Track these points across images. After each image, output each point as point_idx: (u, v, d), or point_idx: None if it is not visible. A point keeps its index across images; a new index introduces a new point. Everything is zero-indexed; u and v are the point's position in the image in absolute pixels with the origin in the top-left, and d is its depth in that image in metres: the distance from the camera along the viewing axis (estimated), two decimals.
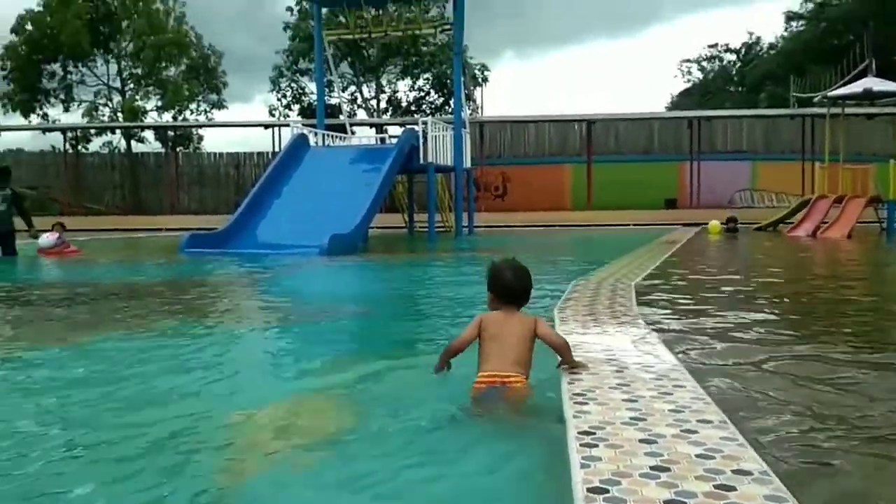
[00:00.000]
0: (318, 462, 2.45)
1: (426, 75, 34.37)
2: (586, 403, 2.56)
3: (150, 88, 34.18)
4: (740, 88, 45.50)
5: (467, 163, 18.17)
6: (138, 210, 30.30)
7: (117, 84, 34.04)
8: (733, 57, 49.58)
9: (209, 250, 11.97)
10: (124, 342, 4.51)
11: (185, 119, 34.27)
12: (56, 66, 32.86)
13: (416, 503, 2.13)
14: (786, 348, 3.98)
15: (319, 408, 3.09)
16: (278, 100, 34.89)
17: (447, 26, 18.34)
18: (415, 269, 10.08)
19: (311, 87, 32.73)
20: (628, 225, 22.11)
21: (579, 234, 19.33)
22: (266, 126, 28.78)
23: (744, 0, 77.00)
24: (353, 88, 34.77)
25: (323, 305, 6.33)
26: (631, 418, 2.38)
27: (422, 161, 15.70)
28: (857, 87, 17.73)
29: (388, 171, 14.08)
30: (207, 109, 35.26)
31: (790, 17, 42.06)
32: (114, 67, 33.85)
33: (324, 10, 20.30)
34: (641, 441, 2.16)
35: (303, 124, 17.52)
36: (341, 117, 22.11)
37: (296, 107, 34.81)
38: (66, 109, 33.91)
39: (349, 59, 32.95)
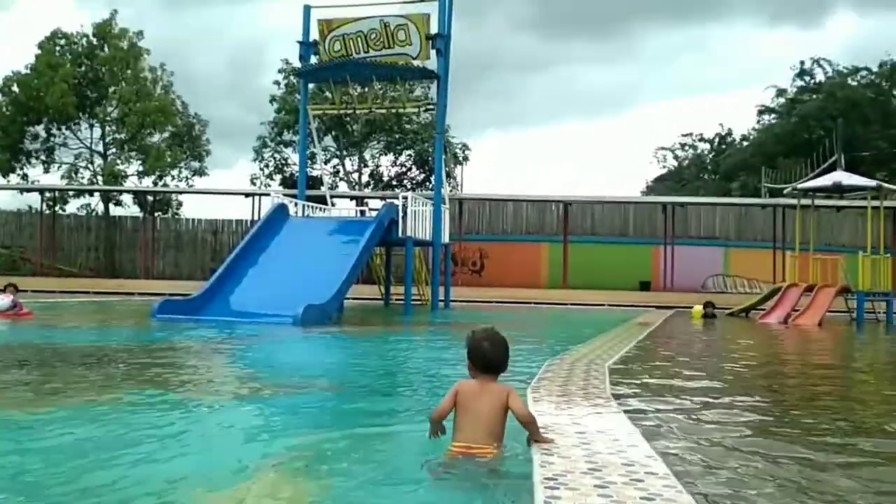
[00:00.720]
0: None
1: (408, 152, 34.97)
2: (557, 489, 2.52)
3: (133, 153, 34.33)
4: (714, 176, 46.71)
5: (445, 238, 18.30)
6: (112, 273, 30.00)
7: (99, 148, 34.18)
8: (706, 146, 51.12)
9: (182, 317, 11.80)
10: (80, 412, 4.35)
11: (165, 185, 34.35)
12: (39, 128, 32.98)
13: None
14: (758, 434, 3.96)
15: (286, 485, 3.00)
16: (261, 169, 35.21)
17: (430, 106, 18.77)
18: (389, 342, 10.00)
19: (294, 158, 33.15)
20: (603, 305, 22.22)
21: (554, 312, 19.38)
22: (246, 195, 28.91)
23: (719, 90, 79.94)
24: (335, 161, 35.22)
25: (293, 378, 6.22)
26: None
27: (400, 234, 15.80)
28: (826, 180, 18.29)
29: (366, 243, 14.13)
30: (189, 176, 35.43)
31: (762, 111, 43.67)
32: (97, 131, 34.06)
33: (310, 85, 20.73)
34: None
35: (284, 194, 17.64)
36: (322, 189, 22.27)
37: (277, 177, 35.09)
38: (46, 170, 33.90)
39: (333, 133, 33.48)
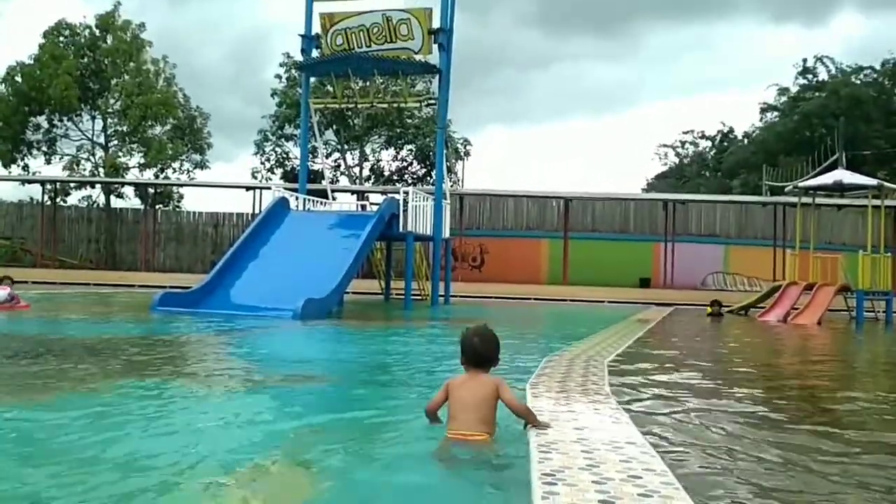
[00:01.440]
0: None
1: (410, 146, 34.94)
2: (555, 484, 2.53)
3: (134, 146, 34.34)
4: (717, 174, 46.70)
5: (446, 233, 18.30)
6: (113, 265, 30.02)
7: (101, 140, 34.18)
8: (708, 144, 51.11)
9: (181, 309, 11.81)
10: (77, 403, 4.37)
11: (166, 177, 34.36)
12: (41, 119, 32.98)
13: None
14: (757, 430, 3.98)
15: (283, 477, 3.02)
16: (262, 163, 35.19)
17: (432, 101, 18.74)
18: (388, 336, 10.01)
19: (295, 151, 33.15)
20: (602, 301, 22.23)
21: (554, 308, 19.38)
22: (248, 188, 28.90)
23: (721, 88, 79.83)
24: (336, 155, 35.20)
25: (291, 371, 6.24)
26: (599, 501, 2.36)
27: (401, 229, 15.80)
28: (828, 178, 18.27)
29: (366, 238, 14.13)
30: (190, 169, 35.44)
31: (764, 108, 43.65)
32: (99, 123, 34.06)
33: (312, 79, 20.70)
34: None
35: (284, 188, 17.63)
36: (324, 183, 22.26)
37: (279, 171, 35.09)
38: (48, 162, 33.93)
39: (334, 127, 33.45)
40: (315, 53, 18.00)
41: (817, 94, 39.75)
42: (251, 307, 11.83)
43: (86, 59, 32.74)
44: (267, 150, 35.01)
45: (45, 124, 33.17)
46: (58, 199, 32.01)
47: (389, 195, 17.19)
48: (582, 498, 2.38)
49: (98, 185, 32.89)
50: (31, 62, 31.81)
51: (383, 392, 5.29)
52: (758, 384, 6.33)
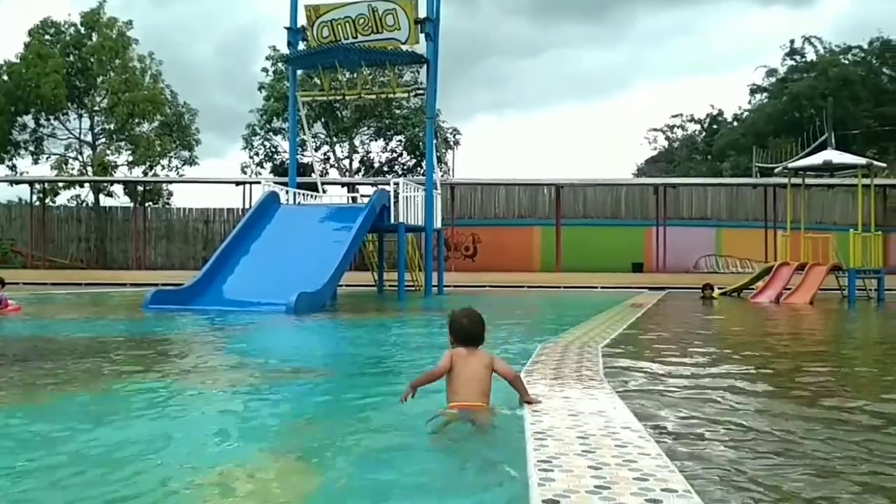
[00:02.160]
0: None
1: (399, 137, 34.80)
2: (552, 470, 2.53)
3: (122, 143, 34.15)
4: (707, 157, 46.77)
5: (438, 223, 18.28)
6: (104, 264, 29.89)
7: (88, 138, 33.96)
8: (697, 127, 51.14)
9: (174, 307, 11.77)
10: (72, 403, 4.36)
11: (155, 175, 34.18)
12: (28, 119, 32.73)
13: None
14: (751, 412, 3.99)
15: (282, 470, 3.01)
16: (251, 157, 35.02)
17: (420, 91, 18.68)
18: (383, 328, 10.01)
19: (284, 145, 33.01)
20: (595, 287, 22.28)
21: (547, 296, 19.42)
22: (237, 183, 28.79)
23: (709, 71, 79.85)
24: (325, 148, 35.06)
25: (287, 365, 6.22)
26: (595, 486, 2.36)
27: (392, 221, 15.77)
28: (817, 158, 18.33)
29: (358, 230, 14.10)
30: (179, 166, 35.26)
31: (753, 90, 43.69)
32: (86, 122, 33.83)
33: (299, 72, 20.60)
34: None
35: (274, 182, 17.57)
36: (313, 176, 22.18)
37: (268, 165, 34.93)
38: (36, 161, 33.68)
39: (323, 120, 33.30)
40: (301, 46, 17.91)
41: (806, 74, 39.79)
42: (244, 302, 11.81)
43: (72, 58, 32.48)
44: (255, 144, 34.83)
45: (32, 124, 32.93)
46: (47, 199, 31.81)
47: (380, 187, 17.18)
48: (578, 484, 2.38)
49: (87, 184, 32.69)
50: (18, 61, 31.53)
51: (380, 382, 5.28)
52: (751, 365, 6.34)
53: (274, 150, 34.97)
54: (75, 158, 34.14)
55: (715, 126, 48.90)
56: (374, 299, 16.71)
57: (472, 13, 60.85)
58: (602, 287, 22.26)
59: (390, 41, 17.13)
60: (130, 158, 34.12)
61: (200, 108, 36.26)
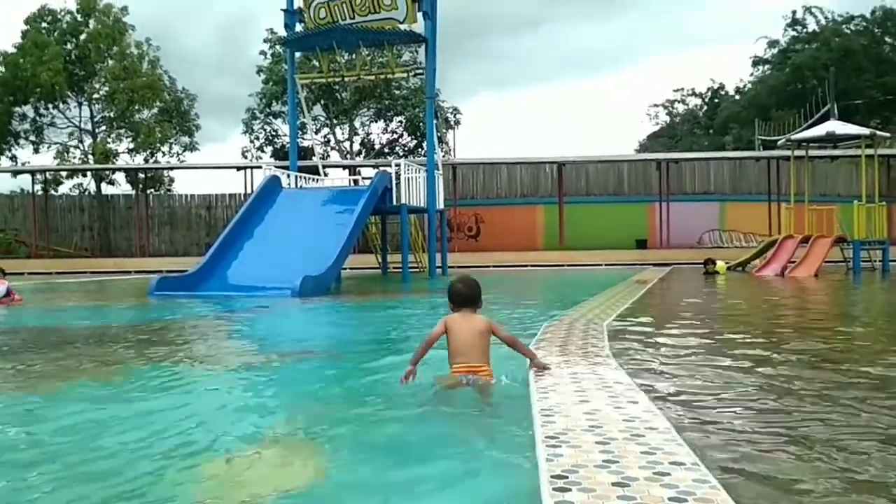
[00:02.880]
0: None
1: (399, 118, 34.68)
2: (559, 446, 2.54)
3: (122, 131, 34.09)
4: (709, 131, 46.54)
5: (440, 204, 18.25)
6: (107, 252, 29.95)
7: (88, 126, 33.90)
8: (698, 101, 50.83)
9: (179, 293, 11.80)
10: (81, 389, 4.37)
11: (156, 161, 34.14)
12: (27, 108, 32.64)
13: None
14: (755, 386, 3.99)
15: (288, 456, 3.02)
16: (251, 142, 34.96)
17: (419, 71, 18.57)
18: (388, 310, 10.02)
19: (284, 129, 32.91)
20: (600, 265, 22.28)
21: (552, 274, 19.42)
22: (238, 168, 28.75)
23: (711, 44, 79.24)
24: (326, 131, 34.96)
25: (293, 349, 6.24)
26: (604, 461, 2.36)
27: (395, 202, 15.75)
28: (820, 130, 18.22)
29: (360, 213, 14.08)
30: (179, 152, 35.21)
31: (755, 62, 43.36)
32: (86, 110, 33.75)
33: (297, 54, 20.48)
34: (614, 484, 2.14)
35: (275, 166, 17.53)
36: (314, 159, 22.13)
37: (269, 149, 34.87)
38: (36, 151, 33.67)
39: (322, 102, 33.17)
40: (299, 28, 17.79)
41: (807, 45, 39.46)
42: (249, 287, 11.83)
43: (69, 45, 32.34)
44: (256, 128, 34.77)
45: (31, 113, 32.86)
46: (49, 189, 31.82)
47: (381, 168, 17.12)
48: (586, 459, 2.39)
49: (89, 173, 32.68)
50: (15, 50, 31.39)
51: (386, 362, 5.29)
52: (756, 338, 6.34)
53: (274, 133, 34.91)
54: (76, 147, 34.14)
55: (716, 100, 48.61)
56: (379, 281, 16.73)
57: None
58: (606, 264, 22.25)
59: (388, 21, 17.00)
60: (131, 146, 34.09)
61: (200, 93, 36.23)
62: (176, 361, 5.46)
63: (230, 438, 3.21)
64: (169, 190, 34.55)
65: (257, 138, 34.89)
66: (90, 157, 33.30)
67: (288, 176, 16.37)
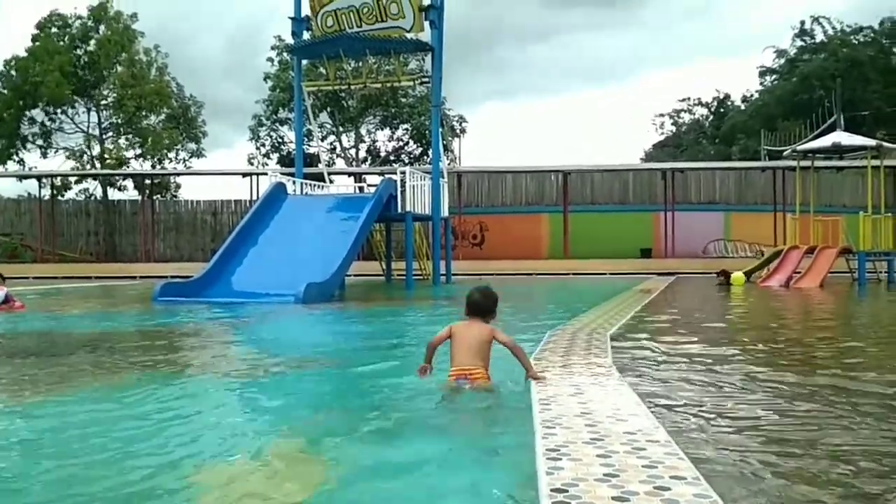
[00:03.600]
0: None
1: (405, 126, 34.75)
2: (559, 459, 2.53)
3: (130, 136, 34.25)
4: (715, 140, 46.47)
5: (445, 212, 18.27)
6: (113, 257, 30.02)
7: (96, 132, 34.03)
8: (704, 111, 50.78)
9: (183, 299, 11.82)
10: (85, 396, 4.37)
11: (163, 168, 34.26)
12: (36, 112, 32.81)
13: None
14: (762, 399, 3.97)
15: (292, 464, 3.01)
16: (257, 148, 35.05)
17: (425, 79, 18.61)
18: (392, 317, 10.02)
19: (291, 136, 32.97)
20: (604, 274, 22.25)
21: (556, 283, 19.40)
22: (244, 174, 28.82)
23: (719, 54, 79.22)
24: (332, 138, 35.03)
25: (297, 356, 6.24)
26: (604, 475, 2.35)
27: (400, 210, 15.77)
28: (826, 140, 18.19)
29: (365, 220, 14.10)
30: (186, 158, 35.34)
31: (763, 72, 43.32)
32: (94, 116, 33.88)
33: (304, 62, 20.57)
34: (614, 499, 2.13)
35: (281, 173, 17.57)
36: (320, 166, 22.19)
37: (275, 155, 34.96)
38: (44, 156, 33.81)
39: (329, 110, 33.26)
40: (306, 36, 17.86)
41: (815, 55, 39.41)
42: (253, 293, 11.85)
43: (79, 51, 32.52)
44: (262, 135, 34.88)
45: (40, 117, 33.02)
46: (56, 194, 31.95)
47: (387, 176, 17.14)
48: (587, 472, 2.38)
49: (96, 178, 32.82)
50: (26, 55, 31.57)
51: (391, 371, 5.28)
52: (760, 349, 6.33)
53: (280, 140, 35.01)
54: (84, 153, 34.25)
55: (722, 110, 48.55)
56: (383, 288, 16.73)
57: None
58: (610, 273, 22.21)
59: (395, 29, 17.06)
60: (139, 151, 34.23)
61: (207, 100, 36.38)
62: (179, 368, 5.47)
63: (233, 446, 3.21)
64: (175, 196, 34.66)
65: (263, 145, 35.01)
66: (97, 162, 33.43)
67: (293, 183, 16.42)
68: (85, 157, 34.18)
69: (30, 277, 21.48)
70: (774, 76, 42.51)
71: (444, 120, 29.92)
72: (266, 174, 19.47)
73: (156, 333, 8.05)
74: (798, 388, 4.34)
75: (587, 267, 23.28)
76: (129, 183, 33.31)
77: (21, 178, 31.46)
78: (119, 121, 33.72)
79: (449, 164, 27.06)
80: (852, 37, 39.07)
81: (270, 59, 33.80)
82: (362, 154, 35.67)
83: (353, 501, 2.52)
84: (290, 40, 18.74)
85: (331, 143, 34.99)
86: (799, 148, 18.84)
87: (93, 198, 33.32)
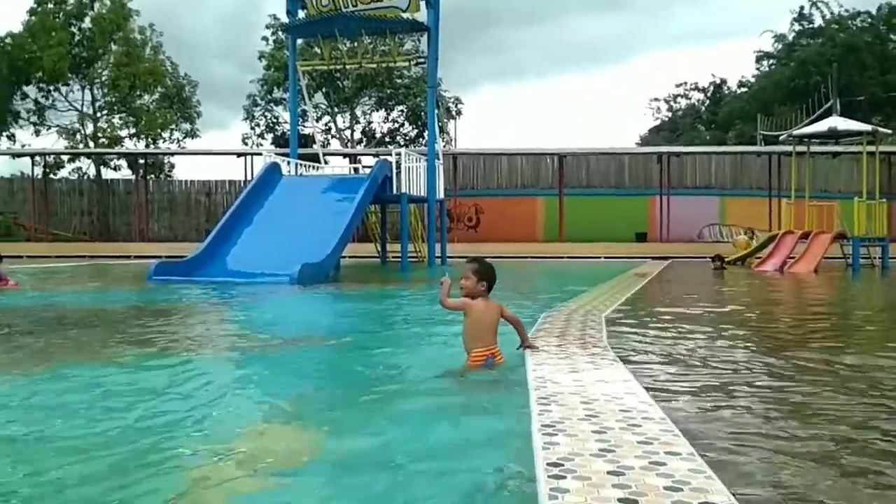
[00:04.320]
0: (285, 495, 2.37)
1: (400, 107, 34.59)
2: (556, 435, 2.54)
3: (124, 115, 34.02)
4: (712, 125, 46.42)
5: (440, 194, 18.21)
6: (107, 236, 29.92)
7: (90, 111, 33.80)
8: (700, 96, 50.69)
9: (177, 278, 11.80)
10: (78, 373, 4.35)
11: (157, 147, 34.06)
12: (29, 89, 32.53)
13: None
14: (752, 376, 3.99)
15: (285, 439, 3.02)
16: (252, 128, 34.86)
17: (421, 60, 18.49)
18: (386, 298, 10.02)
19: (285, 116, 32.78)
20: (599, 257, 22.27)
21: (551, 266, 19.42)
22: (238, 154, 28.68)
23: (716, 39, 78.97)
24: (327, 119, 34.86)
25: (290, 335, 6.25)
26: (600, 450, 2.36)
27: (395, 191, 15.71)
28: (822, 125, 18.17)
29: (360, 201, 14.05)
30: (180, 138, 35.14)
31: (760, 56, 43.21)
32: (88, 94, 33.64)
33: (299, 41, 20.40)
34: (610, 473, 2.14)
35: (276, 153, 17.47)
36: (315, 147, 22.08)
37: (269, 136, 34.78)
38: (37, 133, 33.59)
39: (324, 90, 33.06)
40: (301, 14, 17.71)
41: (812, 40, 39.30)
42: (247, 273, 11.82)
43: (74, 29, 32.20)
44: (256, 115, 34.68)
45: (33, 94, 32.74)
46: (49, 172, 31.77)
47: (382, 157, 17.06)
48: (582, 447, 2.39)
49: (89, 157, 32.63)
50: (23, 31, 31.23)
51: (386, 349, 5.30)
52: (755, 331, 6.35)
53: (275, 120, 34.82)
54: (78, 131, 34.03)
55: (718, 95, 48.47)
56: (378, 270, 16.72)
57: None
58: (605, 257, 22.24)
59: (391, 9, 16.90)
60: (133, 131, 34.01)
61: (201, 79, 36.38)
62: (173, 345, 5.46)
63: (228, 421, 3.22)
64: (169, 176, 34.50)
65: (258, 125, 34.82)
66: (91, 141, 33.22)
67: (288, 163, 16.33)
68: (78, 136, 33.99)
69: (23, 257, 21.40)
70: (772, 61, 42.40)
71: (440, 101, 29.77)
72: (261, 154, 19.31)
73: (151, 311, 8.04)
74: (792, 366, 4.36)
75: (582, 250, 23.30)
76: (122, 162, 33.15)
77: (14, 155, 31.25)
78: (113, 99, 33.48)
79: (444, 146, 26.97)
80: (850, 21, 38.94)
81: (265, 38, 33.56)
82: (357, 135, 35.53)
83: (351, 470, 2.52)
84: (285, 19, 18.56)
85: (325, 124, 34.83)
86: (795, 133, 18.82)
87: (86, 177, 33.16)
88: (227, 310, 8.43)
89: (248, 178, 26.10)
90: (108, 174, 32.93)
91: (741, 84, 46.13)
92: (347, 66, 19.02)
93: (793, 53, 39.42)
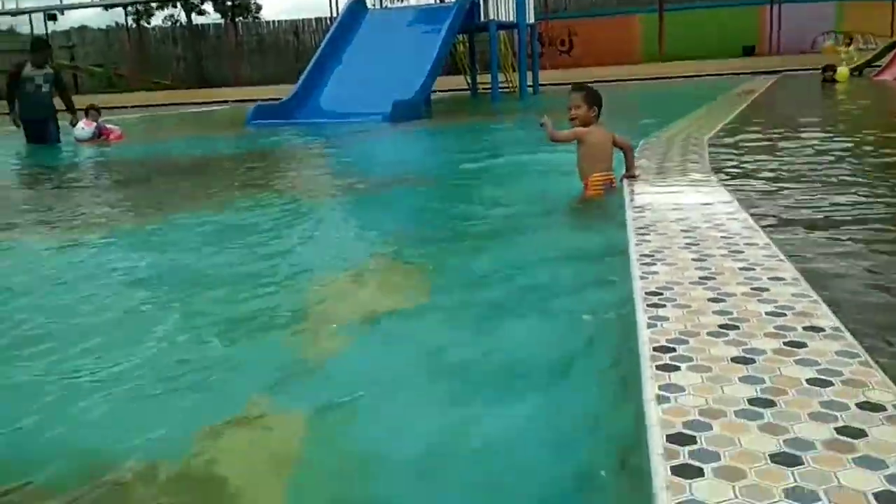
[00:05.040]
0: (391, 335, 2.41)
1: None
2: (654, 264, 2.54)
3: None
4: None
5: (531, 18, 17.41)
6: (201, 82, 30.49)
7: None
8: None
9: (275, 121, 12.04)
10: (193, 219, 4.56)
11: None
12: None
13: (489, 372, 2.10)
14: (866, 200, 3.80)
15: (396, 275, 3.14)
16: None
17: None
18: (480, 132, 9.92)
19: None
20: (703, 76, 21.09)
21: (651, 88, 18.59)
22: None
23: None
24: None
25: (391, 175, 6.34)
26: (700, 278, 2.36)
27: (482, 19, 15.12)
28: None
29: (447, 32, 13.65)
30: None
31: None
32: None
33: None
34: (710, 300, 2.14)
35: None
36: None
37: None
38: None
39: None
40: None
41: None
42: (341, 114, 11.92)
43: None
44: None
45: None
46: (141, 22, 32.13)
47: None
48: (682, 276, 2.39)
49: (178, 3, 32.67)
50: None
51: (484, 185, 5.31)
52: (869, 149, 5.98)
53: None
54: None
55: None
56: (469, 103, 16.48)
57: None
58: (709, 75, 21.03)
59: None
60: None
61: None
62: (279, 189, 5.67)
63: (336, 262, 3.35)
64: (256, 17, 34.27)
65: None
66: None
67: None
68: None
69: (127, 107, 22.22)
70: None
71: None
72: None
73: (252, 157, 8.31)
74: None
75: (684, 69, 22.07)
76: (209, 7, 33.07)
77: (107, 6, 31.61)
78: None
79: None
80: None
81: None
82: None
83: (458, 306, 2.62)
84: None
85: None
86: None
87: (178, 23, 33.39)
88: (326, 152, 8.62)
89: (334, 14, 25.60)
90: (197, 20, 33.05)
91: None
92: None
93: None
